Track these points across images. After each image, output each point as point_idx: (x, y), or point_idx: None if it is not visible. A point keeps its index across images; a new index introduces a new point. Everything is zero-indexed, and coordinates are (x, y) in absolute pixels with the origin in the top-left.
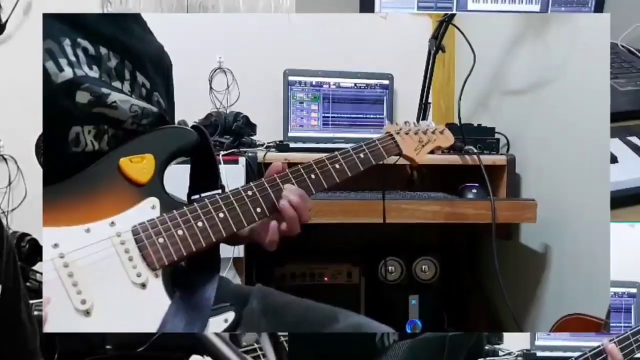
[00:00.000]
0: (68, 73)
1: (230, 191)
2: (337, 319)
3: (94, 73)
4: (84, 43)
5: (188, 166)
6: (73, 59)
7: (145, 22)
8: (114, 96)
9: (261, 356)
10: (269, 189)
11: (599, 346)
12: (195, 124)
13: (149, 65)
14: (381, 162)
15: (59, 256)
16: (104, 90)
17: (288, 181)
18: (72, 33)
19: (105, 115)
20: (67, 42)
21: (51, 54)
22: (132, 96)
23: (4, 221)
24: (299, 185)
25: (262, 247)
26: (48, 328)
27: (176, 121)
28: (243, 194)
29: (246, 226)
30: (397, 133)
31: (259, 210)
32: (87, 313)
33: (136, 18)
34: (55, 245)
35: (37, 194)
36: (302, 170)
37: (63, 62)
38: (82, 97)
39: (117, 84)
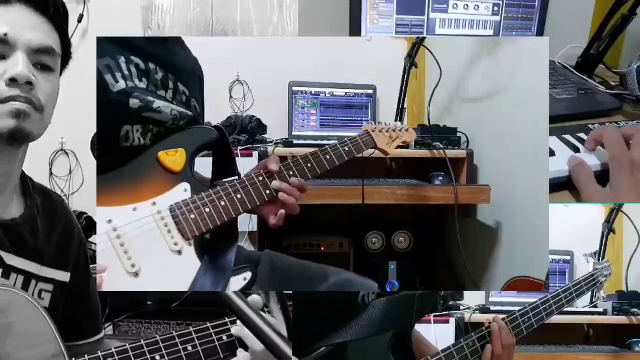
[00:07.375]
0: (122, 84)
1: (245, 177)
2: (330, 275)
3: (143, 84)
4: (137, 60)
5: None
6: (127, 73)
7: (184, 42)
8: (158, 103)
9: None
10: (275, 175)
11: (487, 326)
12: (217, 124)
13: (187, 77)
14: (361, 154)
15: (113, 229)
16: (150, 98)
17: (290, 169)
18: (126, 52)
19: (152, 118)
20: (122, 60)
21: (109, 69)
22: (173, 102)
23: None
24: (298, 171)
25: (267, 224)
26: (105, 288)
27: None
28: (256, 179)
29: (259, 204)
30: (373, 131)
31: (268, 192)
32: (136, 275)
33: (177, 39)
34: (110, 221)
35: (92, 181)
36: (300, 160)
37: (119, 75)
38: (134, 103)
39: (162, 92)
